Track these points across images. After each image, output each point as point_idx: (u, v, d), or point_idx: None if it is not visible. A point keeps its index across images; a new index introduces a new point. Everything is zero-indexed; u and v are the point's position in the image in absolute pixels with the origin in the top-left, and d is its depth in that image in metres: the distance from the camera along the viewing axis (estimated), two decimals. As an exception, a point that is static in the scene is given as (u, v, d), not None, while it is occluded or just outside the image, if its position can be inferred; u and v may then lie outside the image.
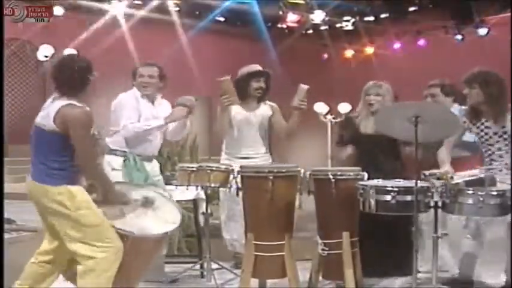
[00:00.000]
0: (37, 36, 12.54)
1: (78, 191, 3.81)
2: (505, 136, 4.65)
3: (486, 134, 4.73)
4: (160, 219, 4.11)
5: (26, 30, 12.06)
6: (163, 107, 5.29)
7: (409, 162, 5.33)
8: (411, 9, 14.04)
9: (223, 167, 4.91)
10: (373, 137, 5.26)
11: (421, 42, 15.71)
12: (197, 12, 14.31)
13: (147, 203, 4.15)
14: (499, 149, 4.69)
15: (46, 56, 13.12)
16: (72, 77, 3.85)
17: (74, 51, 13.05)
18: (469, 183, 4.11)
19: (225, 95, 5.25)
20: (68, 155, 3.81)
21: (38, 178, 3.84)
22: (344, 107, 11.61)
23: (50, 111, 3.79)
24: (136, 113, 5.12)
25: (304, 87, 5.31)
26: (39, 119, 3.86)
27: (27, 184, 3.91)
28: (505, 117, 4.64)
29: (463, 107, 5.42)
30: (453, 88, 5.62)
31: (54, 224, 3.88)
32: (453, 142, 4.84)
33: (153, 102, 5.26)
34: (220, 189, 5.27)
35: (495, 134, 4.70)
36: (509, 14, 13.26)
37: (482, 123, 4.75)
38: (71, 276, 3.97)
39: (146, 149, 5.16)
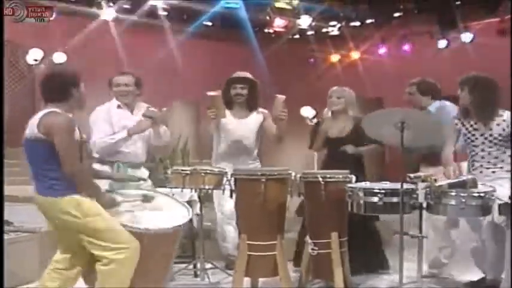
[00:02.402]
0: (27, 40, 12.58)
1: (84, 199, 3.87)
2: (490, 139, 4.82)
3: (473, 135, 4.90)
4: (169, 215, 4.24)
5: (16, 33, 12.10)
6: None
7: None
8: (396, 14, 14.13)
9: (217, 169, 5.05)
10: (338, 140, 5.50)
11: (406, 47, 15.81)
12: (185, 17, 14.39)
13: (146, 199, 4.25)
14: (482, 150, 4.86)
15: (36, 60, 13.18)
16: (55, 89, 3.95)
17: (64, 55, 13.22)
18: (452, 186, 4.28)
19: (212, 109, 5.39)
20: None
21: (42, 191, 3.88)
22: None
23: (34, 121, 3.86)
24: (106, 126, 5.13)
25: (280, 97, 5.37)
26: (27, 131, 3.90)
27: (34, 198, 3.95)
28: (493, 121, 4.81)
29: (447, 103, 5.63)
30: (430, 86, 5.80)
31: (66, 234, 3.95)
32: (453, 144, 5.02)
33: (132, 111, 5.27)
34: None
35: (481, 135, 4.86)
36: (493, 20, 13.50)
37: (472, 125, 4.91)
38: (90, 280, 4.07)
39: (129, 158, 5.16)
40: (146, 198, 4.31)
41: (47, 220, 4.03)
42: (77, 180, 3.86)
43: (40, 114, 3.89)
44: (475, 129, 4.90)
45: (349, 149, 5.41)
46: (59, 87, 3.96)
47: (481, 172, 4.84)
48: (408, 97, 5.81)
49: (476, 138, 4.90)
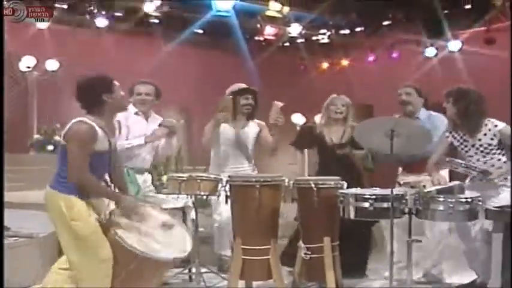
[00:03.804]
0: (20, 47, 12.62)
1: (77, 202, 3.92)
2: (481, 149, 4.91)
3: (466, 146, 5.00)
4: (171, 245, 4.12)
5: (9, 40, 12.17)
6: (156, 123, 5.50)
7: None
8: (385, 23, 14.22)
9: (213, 176, 5.16)
10: (337, 146, 5.65)
11: (395, 55, 15.95)
12: (176, 25, 14.47)
13: (166, 226, 4.20)
14: (478, 160, 4.95)
15: (28, 67, 13.25)
16: (85, 98, 4.05)
17: (57, 63, 13.28)
18: (440, 191, 4.40)
19: (224, 112, 5.50)
20: None
21: (51, 184, 4.01)
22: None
23: (67, 126, 3.99)
24: (124, 131, 5.34)
25: (278, 104, 5.47)
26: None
27: (45, 191, 4.07)
28: (480, 131, 4.90)
29: (433, 113, 5.72)
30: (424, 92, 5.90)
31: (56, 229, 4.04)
32: (440, 154, 5.10)
33: (147, 119, 5.52)
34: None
35: (473, 146, 4.96)
36: (479, 29, 13.67)
37: (462, 136, 5.02)
38: None
39: (136, 163, 5.37)
40: (166, 225, 4.22)
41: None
42: (82, 188, 3.93)
43: (72, 121, 4.01)
44: (466, 140, 5.00)
45: (348, 149, 5.55)
46: (89, 96, 4.04)
47: (480, 180, 4.88)
48: (406, 97, 5.58)
49: (469, 149, 5.00)
